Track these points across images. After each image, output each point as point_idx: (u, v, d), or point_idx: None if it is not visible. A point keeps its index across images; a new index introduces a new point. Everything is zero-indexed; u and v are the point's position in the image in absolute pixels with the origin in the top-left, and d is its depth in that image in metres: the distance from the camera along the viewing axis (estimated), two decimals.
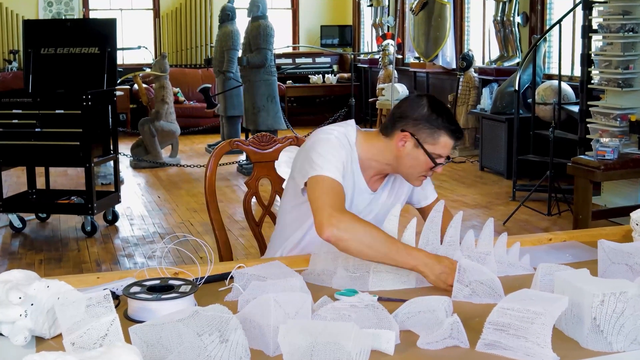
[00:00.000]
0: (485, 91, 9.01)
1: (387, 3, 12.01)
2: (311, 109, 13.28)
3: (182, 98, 12.39)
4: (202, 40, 13.25)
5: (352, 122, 2.63)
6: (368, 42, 13.46)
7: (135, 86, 10.89)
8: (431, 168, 2.49)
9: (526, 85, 8.06)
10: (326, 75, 13.36)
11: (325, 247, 2.27)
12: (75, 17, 12.36)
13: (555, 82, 7.57)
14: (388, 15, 11.83)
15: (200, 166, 8.75)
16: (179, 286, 2.03)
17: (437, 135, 2.46)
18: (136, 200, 7.58)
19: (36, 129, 6.00)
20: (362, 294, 1.92)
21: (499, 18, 9.10)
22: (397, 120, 2.49)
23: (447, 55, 10.38)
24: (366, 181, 2.59)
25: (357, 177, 2.57)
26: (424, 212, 2.79)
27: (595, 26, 6.48)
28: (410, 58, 11.66)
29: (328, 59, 13.86)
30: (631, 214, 2.51)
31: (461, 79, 9.61)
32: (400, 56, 11.64)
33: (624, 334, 1.76)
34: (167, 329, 1.62)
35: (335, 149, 2.44)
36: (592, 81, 6.63)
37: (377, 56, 11.85)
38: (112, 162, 6.94)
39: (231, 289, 2.12)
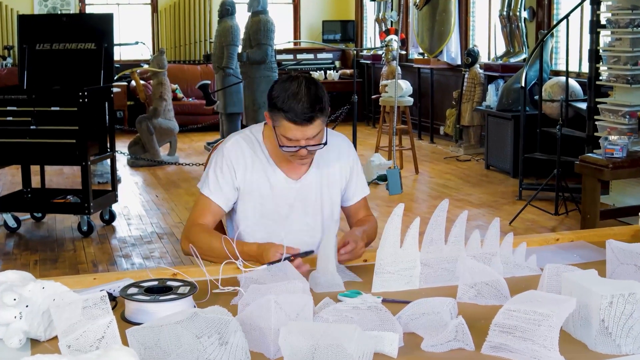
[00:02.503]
0: (491, 88, 9.01)
1: None
2: None
3: (180, 95, 12.39)
4: (201, 36, 13.25)
5: (260, 124, 2.74)
6: (371, 37, 13.45)
7: (133, 83, 10.91)
8: (292, 152, 2.54)
9: (533, 82, 8.06)
10: (328, 72, 13.35)
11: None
12: (71, 12, 12.36)
13: (563, 78, 7.56)
14: (391, 9, 11.82)
15: (199, 164, 8.75)
16: (178, 287, 2.03)
17: (277, 118, 2.50)
18: (134, 200, 7.58)
19: (31, 127, 5.99)
20: (365, 295, 1.92)
21: (505, 13, 9.09)
22: None
23: (452, 51, 10.37)
24: (285, 172, 2.65)
25: (271, 172, 2.65)
26: (349, 212, 2.83)
27: (603, 21, 6.47)
28: (414, 54, 11.66)
29: (330, 55, 13.86)
30: None
31: (466, 76, 9.60)
32: (403, 52, 11.64)
33: (633, 336, 1.76)
34: (165, 331, 1.62)
35: (217, 163, 2.65)
36: (600, 77, 6.62)
37: (380, 52, 11.84)
38: (109, 161, 6.93)
39: (237, 292, 2.12)
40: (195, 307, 2.00)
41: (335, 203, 2.75)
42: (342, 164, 2.75)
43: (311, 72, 13.35)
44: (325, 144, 2.55)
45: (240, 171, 2.64)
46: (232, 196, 2.65)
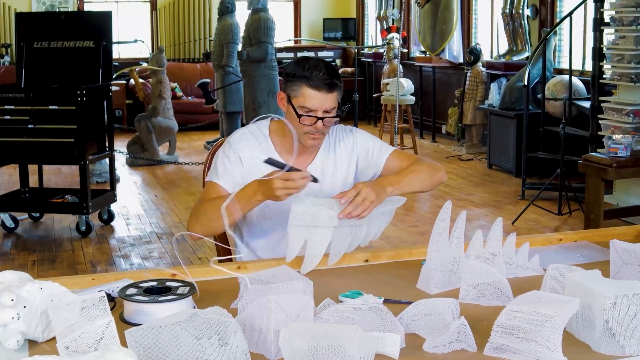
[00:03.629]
0: (494, 86, 9.01)
1: None
2: None
3: (180, 93, 12.39)
4: (200, 34, 13.25)
5: (266, 120, 2.77)
6: (372, 35, 13.45)
7: (132, 81, 10.91)
8: (311, 124, 2.58)
9: (536, 80, 8.05)
10: None
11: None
12: (69, 9, 12.37)
13: (566, 76, 7.56)
14: (393, 7, 11.82)
15: (199, 164, 8.75)
16: (177, 288, 2.03)
17: (297, 87, 2.58)
18: (132, 199, 7.58)
19: (29, 126, 5.99)
20: (367, 296, 1.92)
21: (507, 10, 9.09)
22: None
23: (454, 49, 10.37)
24: (292, 165, 2.63)
25: (279, 158, 2.64)
26: (388, 171, 2.81)
27: (607, 19, 6.46)
28: (415, 52, 11.65)
29: (331, 53, 13.86)
30: None
31: (468, 74, 9.60)
32: (405, 50, 11.63)
33: (637, 337, 1.76)
34: (164, 332, 1.62)
35: (224, 153, 2.69)
36: (604, 76, 6.61)
37: (381, 50, 11.84)
38: (107, 160, 6.93)
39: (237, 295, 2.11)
40: (194, 307, 2.00)
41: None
42: (345, 150, 2.76)
43: None
44: (339, 117, 2.62)
45: (247, 160, 2.66)
46: (240, 181, 2.64)
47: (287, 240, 2.40)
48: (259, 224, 2.73)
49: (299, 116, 2.57)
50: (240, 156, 2.66)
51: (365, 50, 13.13)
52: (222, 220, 2.36)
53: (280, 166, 2.37)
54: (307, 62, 2.57)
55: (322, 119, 2.57)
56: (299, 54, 13.56)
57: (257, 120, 2.76)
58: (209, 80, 10.65)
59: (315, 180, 2.40)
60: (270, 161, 2.39)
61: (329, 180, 2.73)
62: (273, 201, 2.47)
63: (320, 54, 13.70)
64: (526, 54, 8.91)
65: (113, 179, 6.74)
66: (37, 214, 6.73)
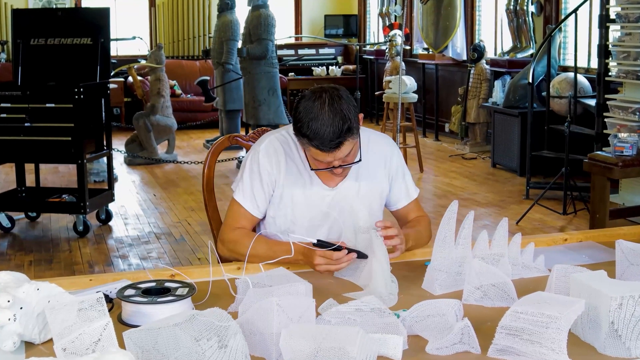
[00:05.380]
0: (498, 84, 9.00)
1: None
2: None
3: (179, 91, 12.40)
4: (200, 31, 13.25)
5: None
6: (374, 32, 13.45)
7: (130, 79, 10.91)
8: (323, 171, 2.53)
9: (540, 78, 8.05)
10: (330, 67, 13.35)
11: None
12: (66, 6, 12.37)
13: (571, 74, 7.56)
14: (395, 4, 11.82)
15: (198, 163, 8.75)
16: (176, 289, 2.03)
17: (304, 143, 2.45)
18: (131, 199, 7.58)
19: (26, 124, 6.00)
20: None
21: (511, 7, 9.09)
22: None
23: (458, 46, 10.36)
24: (321, 178, 2.61)
25: (307, 178, 2.60)
26: (397, 216, 2.79)
27: (612, 15, 6.46)
28: (418, 49, 11.65)
29: (332, 50, 13.86)
30: None
31: (472, 71, 9.60)
32: (408, 47, 11.63)
33: None
34: (163, 334, 1.62)
35: (251, 168, 2.62)
36: (610, 73, 6.61)
37: (383, 47, 11.84)
38: (105, 159, 6.93)
39: (234, 298, 2.11)
40: (194, 309, 2.00)
41: (374, 212, 2.65)
42: (384, 168, 2.69)
43: (313, 68, 13.36)
44: (359, 161, 2.52)
45: (274, 177, 2.60)
46: (263, 206, 2.63)
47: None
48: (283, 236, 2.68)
49: (312, 169, 2.52)
50: (268, 174, 2.60)
51: (367, 48, 13.12)
52: (246, 257, 2.41)
53: (330, 246, 2.33)
54: (310, 113, 2.37)
55: (340, 166, 2.48)
56: (300, 51, 13.57)
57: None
58: (208, 78, 10.65)
59: (364, 256, 2.33)
60: (319, 244, 2.34)
61: (363, 200, 2.61)
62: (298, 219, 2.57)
63: (322, 50, 13.71)
64: (530, 51, 8.90)
65: (111, 178, 6.74)
66: (34, 214, 6.73)
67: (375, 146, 2.68)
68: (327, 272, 2.37)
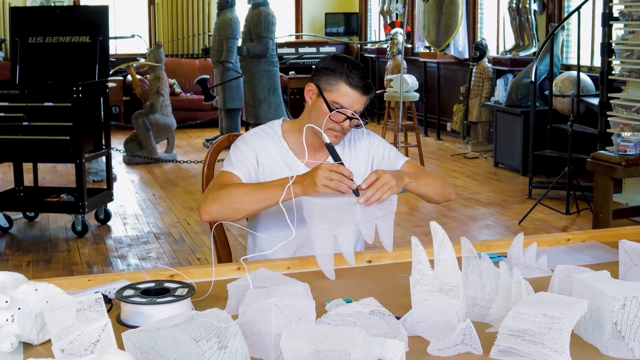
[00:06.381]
0: (500, 82, 9.00)
1: None
2: None
3: (178, 90, 12.40)
4: (199, 29, 13.25)
5: (278, 120, 2.81)
6: (375, 30, 13.45)
7: (129, 77, 10.91)
8: (338, 121, 2.60)
9: (543, 77, 8.05)
10: None
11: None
12: (65, 4, 12.37)
13: (574, 73, 7.56)
14: (397, 1, 11.82)
15: (198, 162, 8.76)
16: (175, 289, 2.03)
17: (334, 82, 2.61)
18: (130, 198, 7.59)
19: (24, 123, 6.00)
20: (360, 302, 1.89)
21: (514, 5, 9.09)
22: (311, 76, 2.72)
23: (459, 45, 10.36)
24: (308, 167, 2.63)
25: (291, 162, 2.69)
26: None
27: (616, 13, 6.46)
28: (420, 47, 11.65)
29: (333, 49, 13.85)
30: None
31: (474, 70, 9.60)
32: (409, 45, 11.63)
33: None
34: (162, 335, 1.62)
35: (237, 146, 2.70)
36: (613, 72, 6.61)
37: (385, 45, 11.84)
38: (104, 158, 6.94)
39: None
40: (193, 309, 1.99)
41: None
42: (362, 154, 2.79)
43: (313, 67, 13.33)
44: (363, 124, 2.66)
45: (262, 156, 2.68)
46: (254, 171, 2.66)
47: (304, 239, 2.45)
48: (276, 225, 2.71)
49: (331, 110, 2.60)
50: (255, 150, 2.68)
51: (368, 46, 13.12)
52: (247, 204, 2.43)
53: (337, 159, 2.40)
54: (346, 61, 2.62)
55: (351, 118, 2.61)
56: (301, 50, 13.57)
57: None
58: (208, 77, 10.66)
59: (357, 193, 2.37)
60: (329, 146, 2.41)
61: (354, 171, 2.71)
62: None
63: (322, 49, 13.71)
64: (533, 50, 8.91)
65: (110, 178, 6.75)
66: (32, 214, 6.73)
67: (357, 141, 2.80)
68: (324, 190, 2.35)
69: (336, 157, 2.41)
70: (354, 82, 2.59)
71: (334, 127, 2.61)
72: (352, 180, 2.35)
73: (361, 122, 2.64)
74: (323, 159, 2.70)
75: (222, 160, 2.84)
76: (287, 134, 2.74)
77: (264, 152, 2.69)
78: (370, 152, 2.80)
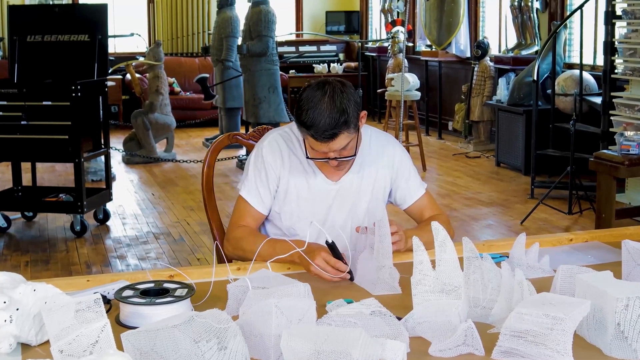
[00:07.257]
0: (502, 81, 9.00)
1: None
2: None
3: (177, 89, 12.40)
4: (199, 27, 13.25)
5: None
6: (376, 29, 13.44)
7: (128, 76, 10.91)
8: (319, 162, 2.59)
9: (545, 75, 8.05)
10: (332, 65, 13.35)
11: None
12: (63, 2, 12.36)
13: (576, 71, 7.55)
14: (398, 0, 11.81)
15: (197, 161, 8.76)
16: (175, 290, 2.03)
17: (302, 132, 2.52)
18: (129, 198, 7.59)
19: (22, 122, 6.00)
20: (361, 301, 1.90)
21: (516, 3, 9.08)
22: None
23: (461, 43, 10.36)
24: (324, 173, 2.66)
25: (310, 172, 2.66)
26: (411, 215, 2.85)
27: (619, 12, 6.46)
28: (421, 46, 11.65)
29: (334, 47, 13.85)
30: None
31: (476, 69, 9.60)
32: (410, 44, 11.63)
33: None
34: (161, 336, 1.62)
35: (255, 165, 2.68)
36: (616, 71, 6.61)
37: (386, 44, 11.84)
38: (103, 157, 6.93)
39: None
40: (193, 310, 2.00)
41: (378, 206, 2.68)
42: (384, 165, 2.72)
43: (314, 65, 13.36)
44: (354, 155, 2.56)
45: (278, 173, 2.65)
46: (269, 202, 2.68)
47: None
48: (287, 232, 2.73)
49: (308, 157, 2.57)
50: (272, 170, 2.65)
51: (369, 44, 13.12)
52: (254, 255, 2.44)
53: (338, 256, 2.33)
54: (311, 101, 2.43)
55: (334, 159, 2.52)
56: (301, 48, 13.58)
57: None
58: (207, 75, 10.66)
59: (351, 278, 2.35)
60: (332, 246, 2.35)
61: (366, 193, 2.70)
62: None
63: (323, 47, 13.71)
64: (535, 48, 8.90)
65: (109, 177, 6.75)
66: (30, 213, 6.73)
67: (377, 144, 2.73)
68: (315, 275, 2.35)
69: (337, 255, 2.33)
70: (314, 135, 2.43)
71: (326, 163, 2.58)
72: (348, 271, 2.33)
73: (346, 159, 2.56)
74: (342, 172, 2.66)
75: (222, 159, 2.85)
76: None
77: (280, 168, 2.66)
78: (394, 166, 2.73)
